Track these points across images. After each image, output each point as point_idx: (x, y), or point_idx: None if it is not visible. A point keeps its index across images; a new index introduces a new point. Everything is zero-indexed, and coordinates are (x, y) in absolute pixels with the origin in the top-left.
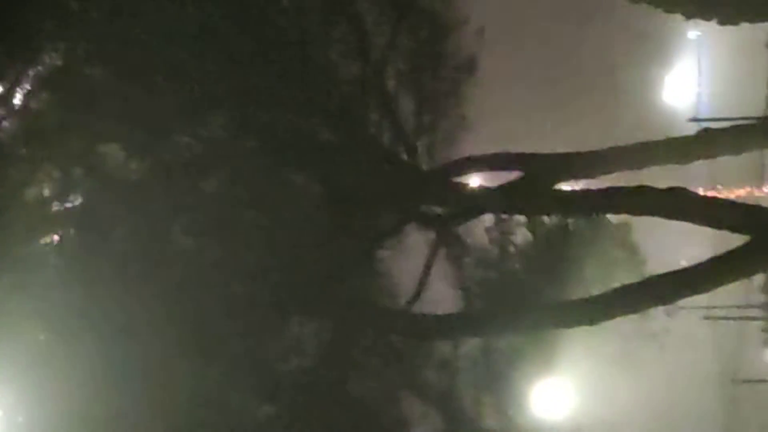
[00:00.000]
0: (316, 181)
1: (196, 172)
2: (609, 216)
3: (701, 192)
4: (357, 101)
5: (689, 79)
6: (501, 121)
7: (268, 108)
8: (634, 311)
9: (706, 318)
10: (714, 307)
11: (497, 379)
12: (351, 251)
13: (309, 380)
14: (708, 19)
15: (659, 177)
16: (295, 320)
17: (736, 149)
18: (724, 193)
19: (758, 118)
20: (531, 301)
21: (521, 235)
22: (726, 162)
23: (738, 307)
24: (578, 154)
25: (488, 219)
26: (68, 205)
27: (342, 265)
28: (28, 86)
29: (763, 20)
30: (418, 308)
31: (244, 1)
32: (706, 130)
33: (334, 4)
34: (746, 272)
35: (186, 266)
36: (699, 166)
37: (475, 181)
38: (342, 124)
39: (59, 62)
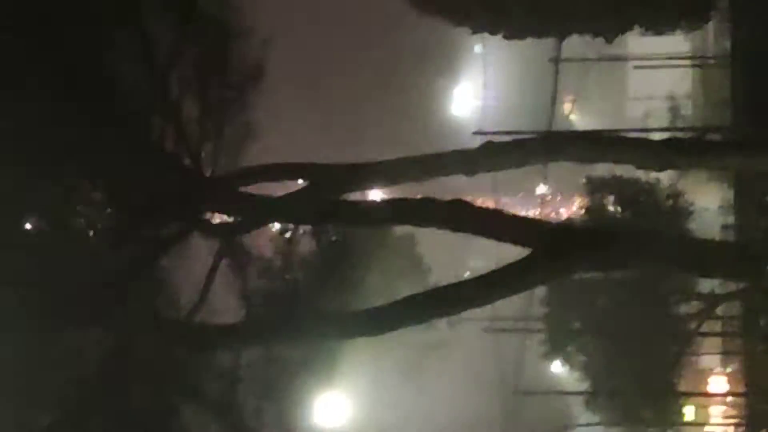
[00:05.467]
0: (99, 186)
1: None
2: (394, 227)
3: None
4: (141, 106)
5: (475, 92)
6: (288, 130)
7: (49, 111)
8: (418, 322)
9: (487, 330)
10: (496, 319)
11: (279, 390)
12: (133, 258)
13: (88, 390)
14: (495, 33)
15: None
16: (75, 328)
17: (519, 162)
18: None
19: (540, 132)
20: (314, 312)
21: (306, 245)
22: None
23: (519, 319)
24: (365, 164)
25: (273, 228)
26: None
27: (124, 272)
28: None
29: (547, 36)
30: (200, 317)
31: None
32: (490, 142)
33: (118, 8)
34: (527, 285)
35: None
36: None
37: (260, 189)
38: (125, 129)
39: None
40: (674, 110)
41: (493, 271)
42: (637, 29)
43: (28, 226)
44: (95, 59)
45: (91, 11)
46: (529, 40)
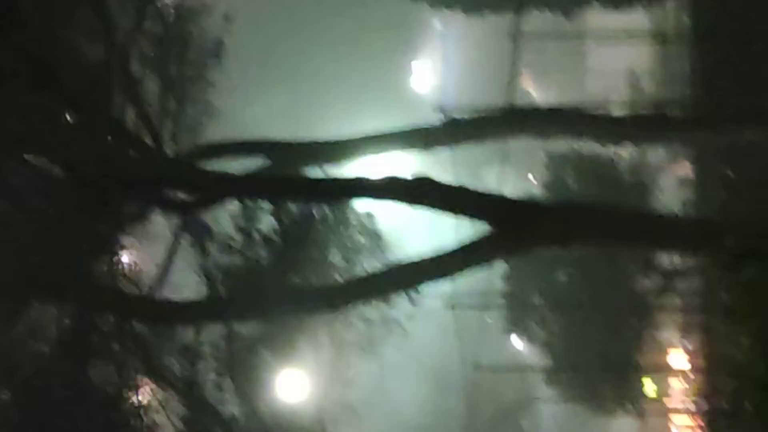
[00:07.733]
0: (58, 164)
1: None
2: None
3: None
4: (101, 84)
5: (435, 67)
6: (248, 107)
7: (8, 88)
8: (378, 298)
9: (448, 306)
10: (457, 295)
11: (239, 366)
12: (93, 235)
13: (47, 366)
14: (453, 8)
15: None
16: (33, 305)
17: (479, 137)
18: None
19: (500, 108)
20: (275, 288)
21: (266, 221)
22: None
23: (480, 295)
24: (325, 141)
25: (234, 205)
26: None
27: (84, 249)
28: None
29: (506, 10)
30: (161, 294)
31: None
32: (451, 118)
33: None
34: (487, 260)
35: None
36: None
37: (221, 166)
38: (85, 106)
39: None
40: (634, 85)
41: (454, 247)
42: (596, 4)
43: None
44: (55, 36)
45: None
46: (489, 15)
